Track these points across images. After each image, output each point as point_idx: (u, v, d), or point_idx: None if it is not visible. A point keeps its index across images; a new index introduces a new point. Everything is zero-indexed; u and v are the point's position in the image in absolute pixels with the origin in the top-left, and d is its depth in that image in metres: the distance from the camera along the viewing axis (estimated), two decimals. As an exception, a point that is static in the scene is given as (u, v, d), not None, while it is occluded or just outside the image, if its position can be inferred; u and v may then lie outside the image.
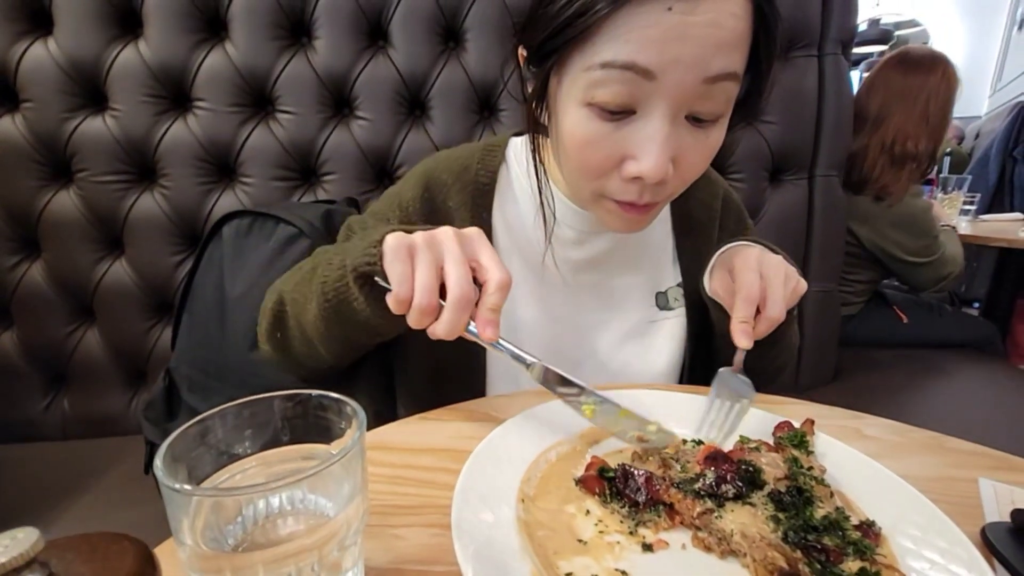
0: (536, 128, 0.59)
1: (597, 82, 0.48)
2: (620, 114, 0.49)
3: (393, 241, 0.46)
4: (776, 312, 0.53)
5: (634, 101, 0.48)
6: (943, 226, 1.61)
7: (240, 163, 1.11)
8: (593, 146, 0.51)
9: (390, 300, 0.46)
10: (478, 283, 0.46)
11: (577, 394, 0.46)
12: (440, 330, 0.45)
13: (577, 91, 0.50)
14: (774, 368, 0.70)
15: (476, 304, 0.45)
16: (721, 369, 0.52)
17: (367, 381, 0.72)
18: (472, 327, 0.45)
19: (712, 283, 0.61)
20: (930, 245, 1.47)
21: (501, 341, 0.46)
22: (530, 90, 0.56)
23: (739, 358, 0.53)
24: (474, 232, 0.48)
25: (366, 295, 0.49)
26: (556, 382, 0.47)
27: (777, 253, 0.60)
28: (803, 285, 0.57)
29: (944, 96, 1.41)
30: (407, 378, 0.72)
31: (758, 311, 0.53)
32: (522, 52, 0.56)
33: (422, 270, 0.44)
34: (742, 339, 0.52)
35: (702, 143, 0.52)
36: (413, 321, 0.46)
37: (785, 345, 0.67)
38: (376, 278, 0.47)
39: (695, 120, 0.51)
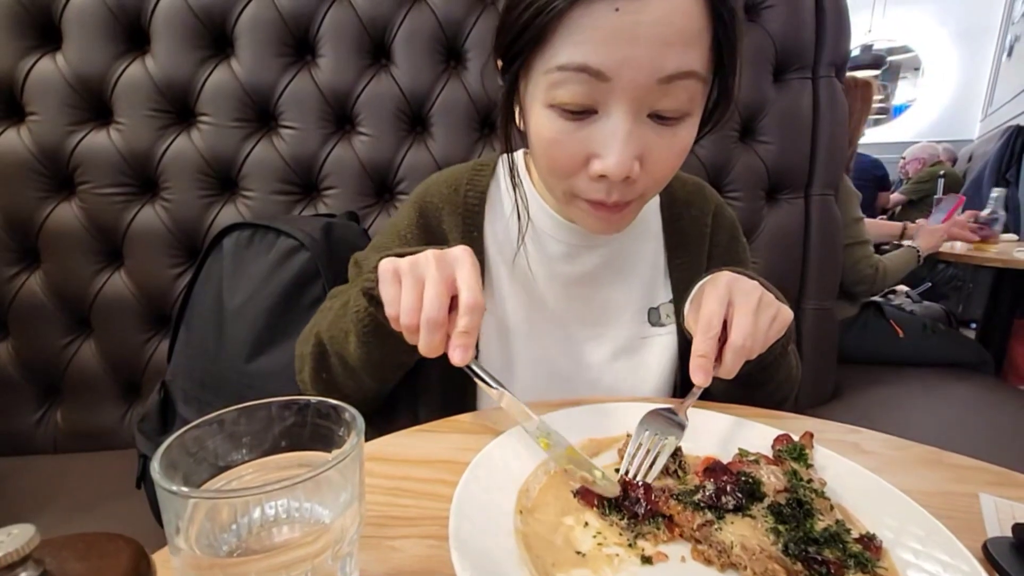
0: (509, 133, 0.60)
1: (556, 83, 0.49)
2: (582, 114, 0.50)
3: (383, 265, 0.50)
4: (741, 340, 0.47)
5: (593, 101, 0.49)
6: (908, 245, 1.71)
7: (242, 177, 1.12)
8: (558, 146, 0.52)
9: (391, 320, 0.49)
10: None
11: (535, 427, 0.46)
12: (420, 350, 0.47)
13: (540, 93, 0.51)
14: (772, 403, 0.65)
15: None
16: (647, 412, 0.49)
17: (403, 411, 0.72)
18: None
19: (688, 314, 0.58)
20: (852, 225, 1.51)
21: (472, 366, 0.47)
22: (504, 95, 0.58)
23: (688, 402, 0.49)
24: (458, 252, 0.48)
25: (384, 316, 0.51)
26: (518, 413, 0.46)
27: (754, 279, 0.54)
28: (786, 313, 0.52)
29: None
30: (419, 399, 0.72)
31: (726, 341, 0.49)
32: (499, 62, 0.58)
33: (405, 293, 0.47)
34: (698, 374, 0.47)
35: (669, 141, 0.52)
36: (408, 339, 0.48)
37: (780, 383, 0.64)
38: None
39: (659, 118, 0.51)
